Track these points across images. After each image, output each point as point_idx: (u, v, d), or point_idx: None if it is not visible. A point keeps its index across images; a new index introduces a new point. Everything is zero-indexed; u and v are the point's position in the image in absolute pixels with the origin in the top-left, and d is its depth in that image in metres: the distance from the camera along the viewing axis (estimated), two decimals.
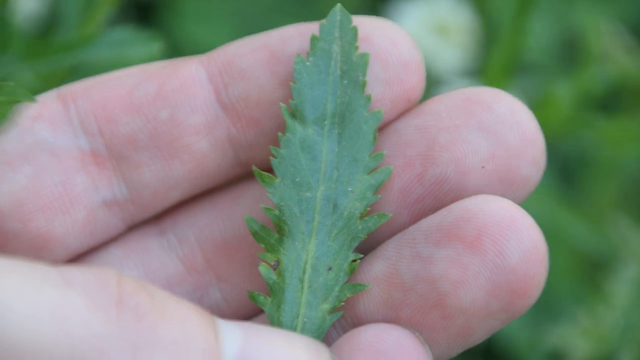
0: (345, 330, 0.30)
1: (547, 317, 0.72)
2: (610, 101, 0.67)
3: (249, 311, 0.34)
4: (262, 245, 0.31)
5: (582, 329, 0.70)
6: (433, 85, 0.68)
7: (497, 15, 0.69)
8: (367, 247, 0.31)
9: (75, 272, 0.25)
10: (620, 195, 0.73)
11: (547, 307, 0.73)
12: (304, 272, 0.30)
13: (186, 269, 0.33)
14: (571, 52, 0.71)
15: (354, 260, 0.31)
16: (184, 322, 0.25)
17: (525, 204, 0.69)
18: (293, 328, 0.30)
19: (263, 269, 0.31)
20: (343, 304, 0.30)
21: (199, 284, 0.33)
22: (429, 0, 0.69)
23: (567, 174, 0.73)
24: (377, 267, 0.30)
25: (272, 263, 0.31)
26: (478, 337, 0.29)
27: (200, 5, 0.71)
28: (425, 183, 0.30)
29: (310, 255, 0.31)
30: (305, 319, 0.30)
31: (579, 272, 0.74)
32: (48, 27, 0.65)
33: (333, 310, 0.30)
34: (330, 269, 0.30)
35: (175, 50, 0.68)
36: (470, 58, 0.69)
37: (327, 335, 0.31)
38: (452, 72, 0.69)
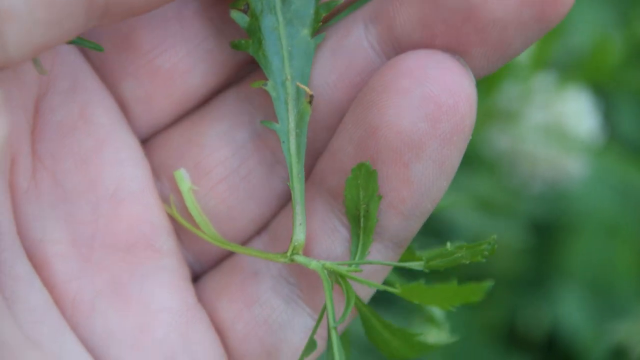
0: (389, 57, 0.30)
1: (611, 313, 0.73)
2: None
3: None
4: None
5: None
6: None
7: None
8: None
9: None
10: None
11: (611, 303, 0.73)
12: (273, 7, 0.30)
13: None
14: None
15: None
16: None
17: (599, 163, 0.68)
18: (281, 60, 0.30)
19: (234, 14, 0.30)
20: (321, 24, 0.30)
21: None
22: None
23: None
24: None
25: (242, 7, 0.30)
26: (515, 49, 0.29)
27: None
28: None
29: None
30: (290, 49, 0.30)
31: None
32: None
33: (314, 33, 0.30)
34: None
35: None
36: None
37: (371, 63, 0.30)
38: None
